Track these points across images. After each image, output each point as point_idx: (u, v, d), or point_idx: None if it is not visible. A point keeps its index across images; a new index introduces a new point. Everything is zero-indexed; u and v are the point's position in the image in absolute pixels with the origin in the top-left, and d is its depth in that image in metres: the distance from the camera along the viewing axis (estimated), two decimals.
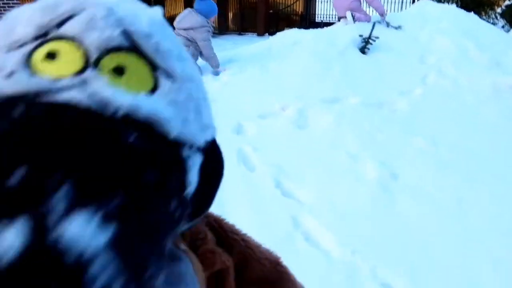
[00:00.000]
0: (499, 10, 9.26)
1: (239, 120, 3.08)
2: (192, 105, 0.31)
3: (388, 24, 4.77)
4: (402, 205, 2.29)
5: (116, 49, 0.28)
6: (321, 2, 15.48)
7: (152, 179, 0.25)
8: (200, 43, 4.03)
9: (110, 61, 0.27)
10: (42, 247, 0.19)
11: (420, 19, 5.18)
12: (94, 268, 0.20)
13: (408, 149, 2.87)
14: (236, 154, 2.72)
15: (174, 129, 0.28)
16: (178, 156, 0.28)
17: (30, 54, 0.27)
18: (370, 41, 4.07)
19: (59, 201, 0.20)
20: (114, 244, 0.21)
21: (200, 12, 4.08)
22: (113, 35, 0.28)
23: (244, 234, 0.48)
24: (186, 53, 0.33)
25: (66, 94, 0.24)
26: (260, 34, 16.94)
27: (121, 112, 0.25)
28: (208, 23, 4.14)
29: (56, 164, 0.21)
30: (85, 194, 0.21)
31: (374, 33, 4.11)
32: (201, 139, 0.32)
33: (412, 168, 2.65)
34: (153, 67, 0.29)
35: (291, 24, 15.89)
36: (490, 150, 3.01)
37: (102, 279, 0.21)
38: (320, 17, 15.63)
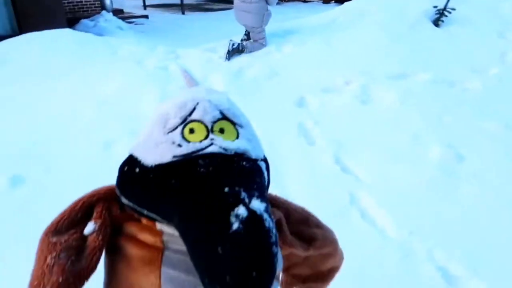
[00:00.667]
0: None
1: (302, 93, 3.09)
2: (254, 137, 0.63)
3: None
4: (465, 191, 2.22)
5: (218, 119, 0.58)
6: None
7: (267, 177, 0.62)
8: None
9: (217, 127, 0.58)
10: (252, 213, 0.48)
11: None
12: (267, 218, 0.49)
13: (477, 133, 2.73)
14: (297, 127, 2.75)
15: (252, 153, 0.59)
16: (259, 166, 0.60)
17: (182, 132, 0.56)
18: (445, 12, 3.82)
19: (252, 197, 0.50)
20: (266, 209, 0.50)
21: None
22: (216, 114, 0.59)
23: (281, 198, 0.78)
24: (242, 112, 0.65)
25: (210, 148, 0.55)
26: (326, 1, 16.34)
27: (235, 151, 0.56)
28: None
29: (247, 183, 0.53)
30: (258, 195, 0.51)
31: (450, 4, 3.83)
32: (262, 154, 0.63)
33: (479, 153, 2.53)
34: (234, 124, 0.60)
35: None
36: None
37: (270, 223, 0.49)
38: None
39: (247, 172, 0.56)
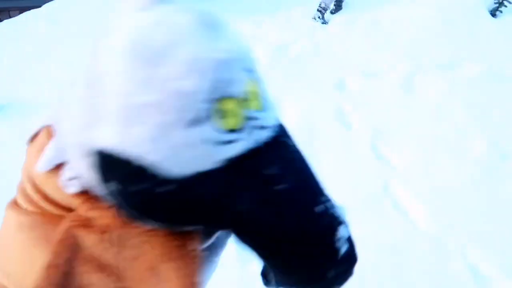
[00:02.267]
0: None
1: (343, 76, 3.03)
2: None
3: None
4: (506, 190, 2.14)
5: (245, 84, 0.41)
6: None
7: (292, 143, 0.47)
8: None
9: (249, 96, 0.41)
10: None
11: None
12: None
13: None
14: (334, 111, 2.71)
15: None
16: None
17: (212, 119, 0.37)
18: (505, 3, 3.58)
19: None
20: None
21: None
22: (241, 75, 0.41)
23: None
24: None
25: (259, 133, 0.40)
26: None
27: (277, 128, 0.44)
28: None
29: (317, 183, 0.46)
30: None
31: None
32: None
33: None
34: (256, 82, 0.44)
35: None
36: None
37: None
38: None
39: (303, 162, 0.46)
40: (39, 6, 4.41)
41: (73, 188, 0.41)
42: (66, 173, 0.42)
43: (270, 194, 0.39)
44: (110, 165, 0.36)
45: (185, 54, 0.35)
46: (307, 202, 0.41)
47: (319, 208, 0.41)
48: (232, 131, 0.37)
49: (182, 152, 0.35)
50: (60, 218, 0.42)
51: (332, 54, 3.24)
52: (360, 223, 1.96)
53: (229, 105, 0.36)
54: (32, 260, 0.41)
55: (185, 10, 0.39)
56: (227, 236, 0.54)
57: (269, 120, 0.41)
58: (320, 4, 3.79)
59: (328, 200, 0.44)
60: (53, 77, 3.12)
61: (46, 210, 0.44)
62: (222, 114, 0.36)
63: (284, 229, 0.39)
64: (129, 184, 0.37)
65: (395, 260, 1.73)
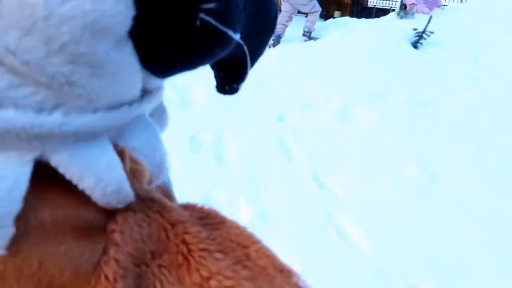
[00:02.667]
0: None
1: (283, 108, 3.13)
2: None
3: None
4: (439, 211, 2.28)
5: None
6: None
7: None
8: None
9: None
10: None
11: (481, 14, 4.93)
12: None
13: (451, 154, 2.81)
14: (277, 142, 2.78)
15: None
16: None
17: None
18: (424, 35, 3.94)
19: None
20: None
21: None
22: None
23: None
24: None
25: None
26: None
27: None
28: None
29: None
30: None
31: (429, 28, 3.96)
32: None
33: (453, 174, 2.61)
34: None
35: (341, 8, 15.47)
36: None
37: None
38: (373, 2, 15.09)
39: None
40: None
41: None
42: None
43: None
44: None
45: None
46: None
47: None
48: None
49: None
50: None
51: (272, 87, 3.34)
52: (305, 253, 2.01)
53: None
54: None
55: None
56: None
57: None
58: (304, 32, 4.39)
59: None
60: None
61: None
62: None
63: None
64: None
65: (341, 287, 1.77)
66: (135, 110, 0.28)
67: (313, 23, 4.65)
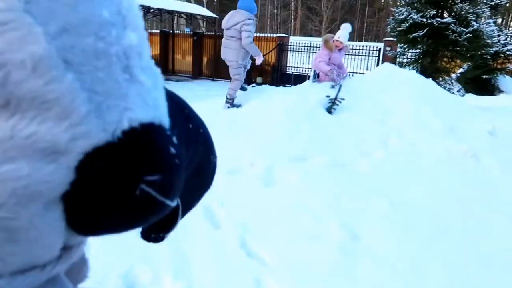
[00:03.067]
0: (454, 76, 10.03)
1: None
2: None
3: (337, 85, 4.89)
4: (362, 269, 2.36)
5: None
6: (292, 55, 16.20)
7: None
8: (244, 35, 4.59)
9: None
10: None
11: (384, 82, 5.54)
12: None
13: (369, 211, 2.99)
14: (203, 209, 2.74)
15: None
16: None
17: None
18: (337, 102, 4.31)
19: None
20: None
21: (243, 8, 4.77)
22: None
23: None
24: None
25: None
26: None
27: None
28: (252, 16, 4.75)
29: None
30: None
31: (340, 95, 4.36)
32: None
33: (373, 231, 2.76)
34: None
35: (262, 74, 16.45)
36: (446, 216, 3.18)
37: None
38: (291, 69, 16.29)
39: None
40: None
41: None
42: None
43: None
44: None
45: None
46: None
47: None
48: None
49: None
50: None
51: None
52: None
53: None
54: None
55: None
56: None
57: None
58: (227, 99, 4.70)
59: None
60: None
61: None
62: None
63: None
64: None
65: None
66: (47, 273, 0.25)
67: (235, 90, 4.84)
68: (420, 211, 3.15)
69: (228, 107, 4.77)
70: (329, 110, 4.34)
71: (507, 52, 10.51)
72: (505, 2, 10.60)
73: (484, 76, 10.24)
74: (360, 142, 3.99)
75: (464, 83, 9.40)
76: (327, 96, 4.35)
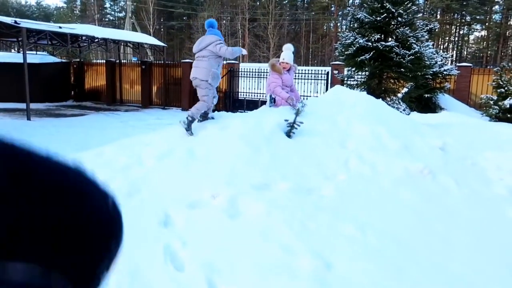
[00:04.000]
0: (399, 95, 10.47)
1: (167, 210, 2.89)
2: None
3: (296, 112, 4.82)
4: None
5: None
6: (243, 80, 16.32)
7: None
8: (218, 47, 4.69)
9: None
10: None
11: (337, 105, 5.60)
12: None
13: (339, 237, 2.88)
14: (163, 250, 2.49)
15: None
16: None
17: None
18: (295, 125, 4.24)
19: None
20: None
21: (212, 34, 4.91)
22: None
23: None
24: None
25: None
26: (185, 109, 17.12)
27: None
28: (221, 38, 4.90)
29: None
30: None
31: (298, 118, 4.30)
32: None
33: (345, 258, 2.64)
34: None
35: None
36: (411, 236, 3.15)
37: None
38: (243, 95, 16.36)
39: None
40: None
41: None
42: None
43: None
44: None
45: None
46: None
47: None
48: None
49: None
50: None
51: (152, 188, 3.10)
52: None
53: None
54: None
55: None
56: None
57: None
58: (188, 115, 4.45)
59: None
60: None
61: None
62: None
63: None
64: None
65: None
66: None
67: (199, 110, 4.61)
68: (387, 234, 3.09)
69: (184, 127, 4.38)
70: (288, 134, 4.26)
71: (444, 72, 11.21)
72: (437, 27, 11.39)
73: (426, 95, 10.79)
74: (322, 166, 3.93)
75: (408, 102, 9.85)
76: (286, 120, 4.28)
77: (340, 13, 50.81)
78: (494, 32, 42.42)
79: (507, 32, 41.26)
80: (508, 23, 41.60)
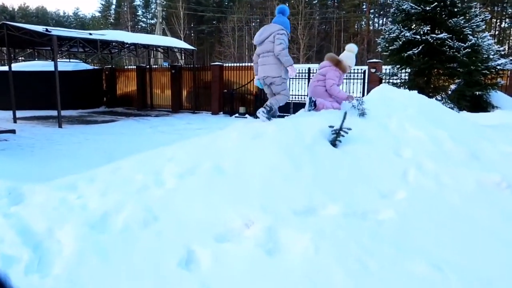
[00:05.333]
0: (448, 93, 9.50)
1: (189, 244, 2.31)
2: None
3: (360, 112, 4.47)
4: None
5: None
6: None
7: None
8: (276, 42, 4.15)
9: None
10: None
11: (385, 106, 4.88)
12: None
13: (411, 280, 2.21)
14: None
15: None
16: None
17: None
18: (342, 132, 3.59)
19: None
20: None
21: (277, 23, 4.37)
22: None
23: None
24: None
25: None
26: (215, 112, 16.70)
27: None
28: (285, 29, 4.34)
29: None
30: None
31: (345, 124, 3.64)
32: None
33: None
34: None
35: (245, 103, 15.85)
36: (501, 273, 2.43)
37: None
38: None
39: None
40: None
41: None
42: None
43: None
44: None
45: None
46: None
47: None
48: None
49: None
50: None
51: (172, 217, 2.54)
52: None
53: None
54: None
55: None
56: None
57: None
58: (266, 104, 4.20)
59: None
60: None
61: None
62: None
63: None
64: None
65: None
66: None
67: (278, 102, 4.34)
68: (470, 273, 2.39)
69: (266, 117, 4.19)
70: (333, 143, 3.60)
71: (498, 67, 10.15)
72: (489, 17, 10.33)
73: (477, 93, 9.79)
74: (376, 181, 3.25)
75: (457, 100, 8.90)
76: (330, 127, 3.63)
77: (372, 10, 49.32)
78: None
79: None
80: None
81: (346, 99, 4.57)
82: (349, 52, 4.75)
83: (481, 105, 10.35)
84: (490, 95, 10.55)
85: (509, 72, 11.11)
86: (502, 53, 10.07)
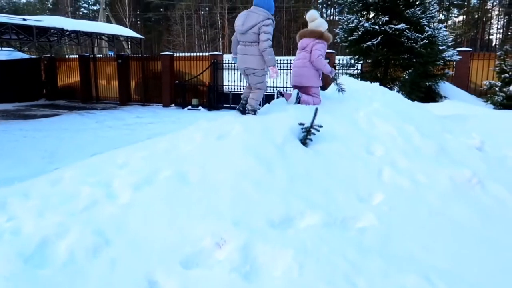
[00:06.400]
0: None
1: (151, 274, 1.93)
2: None
3: (340, 88, 4.47)
4: None
5: None
6: (228, 73, 15.26)
7: None
8: (262, 37, 3.85)
9: None
10: None
11: (350, 98, 4.69)
12: None
13: None
14: None
15: None
16: None
17: None
18: (313, 130, 3.32)
19: None
20: None
21: (260, 6, 3.98)
22: None
23: None
24: None
25: None
26: (166, 105, 15.99)
27: None
28: (271, 16, 3.97)
29: None
30: None
31: (316, 121, 3.36)
32: None
33: None
34: None
35: (198, 95, 15.30)
36: (488, 277, 2.29)
37: None
38: (228, 88, 15.33)
39: None
40: None
41: None
42: None
43: None
44: None
45: None
46: None
47: None
48: None
49: None
50: None
51: (128, 239, 2.13)
52: None
53: None
54: None
55: None
56: None
57: None
58: (249, 110, 3.94)
59: None
60: None
61: None
62: None
63: None
64: None
65: None
66: None
67: (257, 100, 4.03)
68: (459, 279, 2.23)
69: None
70: (304, 142, 3.33)
71: (446, 58, 10.44)
72: (437, 9, 10.58)
73: (427, 83, 10.00)
74: (352, 183, 3.02)
75: (409, 91, 9.02)
76: (301, 124, 3.34)
77: (320, 0, 49.90)
78: (472, 17, 42.14)
79: (484, 18, 41.02)
80: (486, 7, 41.31)
81: (329, 73, 4.33)
82: (317, 20, 4.47)
83: (431, 95, 10.62)
84: (439, 86, 10.86)
85: (454, 63, 11.50)
86: (450, 44, 10.37)
